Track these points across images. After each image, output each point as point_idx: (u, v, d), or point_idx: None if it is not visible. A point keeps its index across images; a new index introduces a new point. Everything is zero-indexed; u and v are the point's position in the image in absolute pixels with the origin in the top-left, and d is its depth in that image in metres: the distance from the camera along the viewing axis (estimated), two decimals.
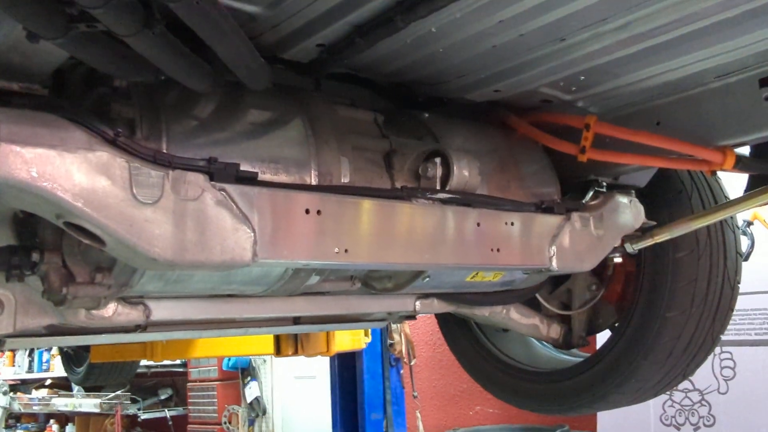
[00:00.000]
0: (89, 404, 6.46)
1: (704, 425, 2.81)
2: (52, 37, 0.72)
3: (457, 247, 1.21)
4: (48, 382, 7.62)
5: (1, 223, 1.01)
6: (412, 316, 1.93)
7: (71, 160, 0.83)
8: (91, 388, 6.13)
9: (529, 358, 2.23)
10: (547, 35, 1.11)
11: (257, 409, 5.81)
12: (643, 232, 1.67)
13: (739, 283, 1.92)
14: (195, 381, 6.15)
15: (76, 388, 6.86)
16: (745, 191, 1.64)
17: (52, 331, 1.20)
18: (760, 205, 1.63)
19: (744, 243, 3.58)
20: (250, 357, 5.81)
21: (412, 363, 4.25)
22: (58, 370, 7.34)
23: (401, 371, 4.26)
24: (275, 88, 1.14)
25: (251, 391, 5.79)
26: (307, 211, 1.02)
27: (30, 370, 7.87)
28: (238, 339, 2.82)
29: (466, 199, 1.22)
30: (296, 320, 1.69)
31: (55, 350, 7.40)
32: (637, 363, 1.83)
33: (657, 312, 1.81)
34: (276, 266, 1.11)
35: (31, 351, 7.74)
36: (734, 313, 2.77)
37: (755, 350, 2.73)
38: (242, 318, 1.47)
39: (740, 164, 1.38)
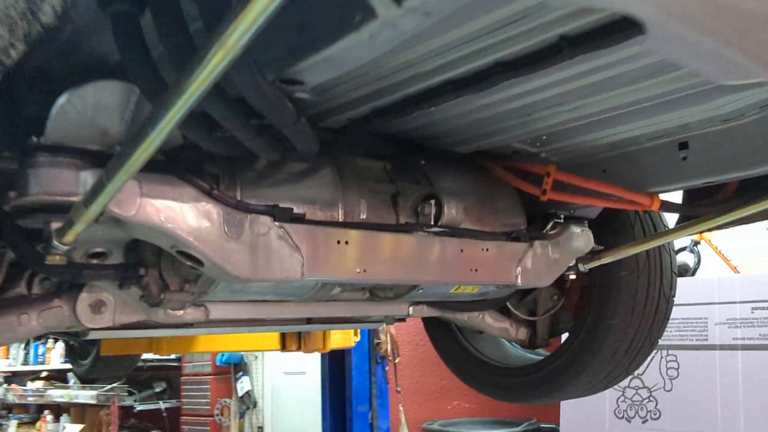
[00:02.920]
0: (86, 395, 6.72)
1: (651, 418, 3.22)
2: (197, 138, 1.10)
3: (444, 268, 1.59)
4: (44, 374, 7.87)
5: (117, 248, 1.38)
6: (403, 319, 2.31)
7: (185, 208, 1.20)
8: (88, 380, 6.41)
9: (501, 356, 2.62)
10: (518, 113, 1.49)
11: (248, 402, 6.14)
12: (592, 254, 2.07)
13: (674, 296, 2.32)
14: (189, 375, 6.46)
15: (72, 379, 7.14)
16: (676, 224, 2.05)
17: (137, 325, 1.57)
18: (687, 236, 2.03)
19: (692, 260, 4.02)
20: (242, 353, 6.13)
21: (396, 361, 4.62)
22: (54, 362, 7.61)
23: (386, 368, 4.62)
24: None
25: (242, 386, 6.11)
26: (338, 242, 1.40)
27: (25, 362, 8.11)
28: (246, 336, 3.17)
29: (452, 231, 1.61)
30: (309, 320, 2.07)
31: (50, 343, 7.65)
32: (588, 361, 2.23)
33: (604, 319, 2.20)
34: (314, 281, 1.48)
35: (27, 344, 7.95)
36: (679, 321, 3.21)
37: (696, 354, 3.14)
38: (271, 318, 1.85)
39: (663, 207, 1.78)
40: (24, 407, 8.41)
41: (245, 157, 1.39)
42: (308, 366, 5.52)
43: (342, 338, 3.79)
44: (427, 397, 4.76)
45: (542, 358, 2.41)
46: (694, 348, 3.13)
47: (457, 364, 2.66)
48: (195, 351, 5.26)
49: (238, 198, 1.30)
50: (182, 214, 1.19)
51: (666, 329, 3.02)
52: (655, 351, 3.30)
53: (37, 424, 7.86)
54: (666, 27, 0.82)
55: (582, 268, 2.09)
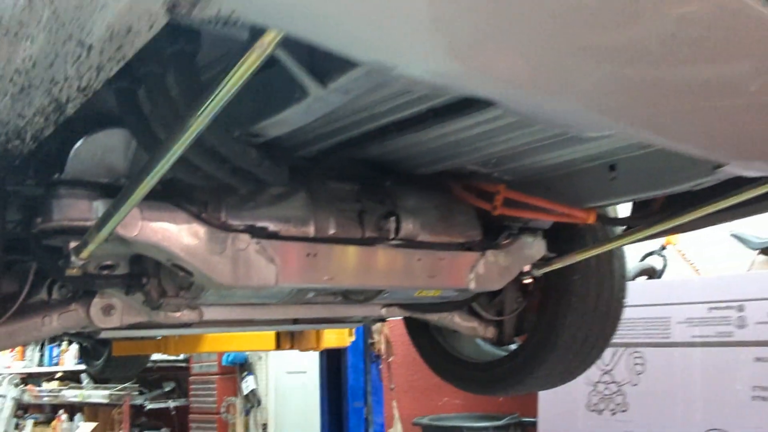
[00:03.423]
0: (98, 395, 7.04)
1: (620, 411, 3.47)
2: (184, 176, 1.37)
3: (403, 275, 1.85)
4: (58, 374, 8.20)
5: (124, 261, 1.66)
6: (382, 319, 2.58)
7: (178, 229, 1.47)
8: (102, 380, 6.72)
9: (473, 353, 2.88)
10: (461, 143, 1.76)
11: (252, 400, 6.42)
12: (545, 261, 2.33)
13: (624, 299, 2.57)
14: (197, 375, 6.75)
15: (85, 380, 7.45)
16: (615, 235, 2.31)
17: (141, 325, 1.85)
18: (628, 244, 2.27)
19: (660, 263, 4.26)
20: (247, 353, 6.42)
21: (390, 359, 4.87)
22: (68, 364, 7.93)
23: (380, 366, 4.89)
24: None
25: (247, 385, 6.39)
26: (308, 254, 1.67)
27: (40, 363, 8.44)
28: (244, 336, 3.45)
29: (410, 244, 1.87)
30: (295, 321, 2.34)
31: (65, 345, 7.97)
32: (544, 357, 2.47)
33: (558, 320, 2.45)
34: (288, 287, 1.75)
35: (42, 346, 8.29)
36: (645, 320, 3.45)
37: (661, 350, 3.39)
38: (260, 319, 2.12)
39: (600, 220, 2.04)
40: (40, 407, 8.73)
41: (229, 186, 1.67)
42: (309, 365, 5.80)
43: (336, 338, 4.06)
44: (419, 394, 5.01)
45: (506, 354, 2.67)
46: (658, 345, 3.38)
47: (434, 361, 2.93)
48: (199, 351, 5.54)
49: (223, 219, 1.58)
50: (176, 234, 1.47)
51: (633, 328, 3.29)
52: (623, 348, 3.55)
53: (53, 424, 8.17)
54: (511, 101, 1.07)
55: (536, 273, 2.34)
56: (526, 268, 2.34)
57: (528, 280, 2.54)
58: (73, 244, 1.42)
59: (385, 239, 1.84)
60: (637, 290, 3.66)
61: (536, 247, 2.28)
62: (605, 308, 2.50)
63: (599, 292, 2.49)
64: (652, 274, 4.25)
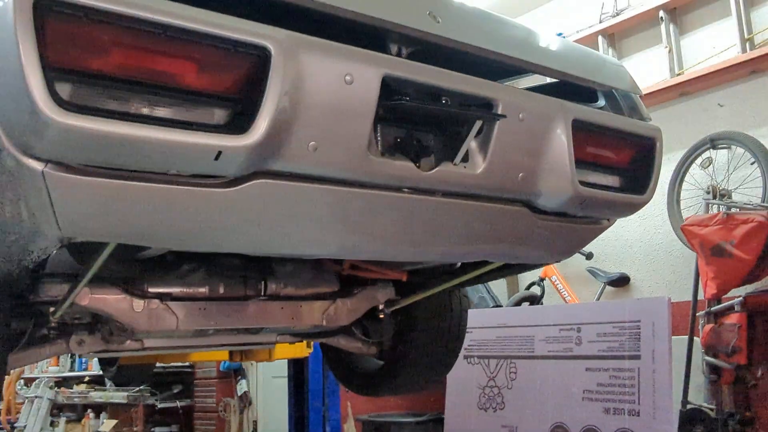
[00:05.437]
0: (119, 396, 8.15)
1: (499, 409, 4.42)
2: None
3: (272, 318, 2.84)
4: (86, 378, 9.34)
5: (86, 315, 2.69)
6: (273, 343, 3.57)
7: (113, 299, 2.49)
8: (120, 383, 7.84)
9: (365, 365, 3.85)
10: None
11: (245, 401, 7.48)
12: (391, 302, 3.28)
13: (463, 328, 3.52)
14: (200, 378, 7.85)
15: (108, 383, 8.59)
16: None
17: (106, 351, 2.89)
18: (430, 294, 3.19)
19: (539, 291, 5.18)
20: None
21: None
22: (95, 368, 9.07)
23: None
24: None
25: (241, 387, 7.46)
26: (200, 308, 2.68)
27: (72, 368, 9.58)
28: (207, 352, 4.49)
29: (275, 297, 2.86)
30: (208, 346, 3.36)
31: None
32: (399, 371, 3.43)
33: (408, 342, 3.41)
34: (189, 330, 2.75)
35: (73, 353, 9.40)
36: (518, 338, 4.39)
37: (527, 362, 4.33)
38: (184, 345, 3.14)
39: (408, 277, 3.00)
40: (72, 407, 9.83)
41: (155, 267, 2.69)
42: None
43: (291, 349, 5.06)
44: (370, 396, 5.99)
45: (379, 366, 3.65)
46: (526, 357, 4.32)
47: (337, 372, 3.92)
48: (188, 361, 6.59)
49: (144, 289, 2.60)
50: (111, 302, 2.49)
51: (509, 344, 4.24)
52: (503, 360, 4.49)
53: (82, 421, 9.28)
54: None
55: (386, 311, 3.30)
56: (381, 306, 3.32)
57: (381, 315, 3.51)
58: (51, 309, 2.46)
59: (257, 296, 2.83)
60: (511, 315, 4.61)
61: (384, 292, 3.24)
62: (446, 334, 3.47)
63: (439, 322, 3.45)
64: (533, 300, 5.16)
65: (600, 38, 5.80)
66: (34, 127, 1.34)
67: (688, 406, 4.07)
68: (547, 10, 6.44)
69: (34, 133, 1.36)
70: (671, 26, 5.37)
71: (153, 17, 1.41)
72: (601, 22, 5.78)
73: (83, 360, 9.31)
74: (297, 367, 5.68)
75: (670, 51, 5.33)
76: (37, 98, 1.31)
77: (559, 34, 5.98)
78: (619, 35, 5.84)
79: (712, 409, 3.99)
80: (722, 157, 4.85)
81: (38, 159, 1.42)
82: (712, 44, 5.17)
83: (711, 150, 4.82)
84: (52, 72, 1.35)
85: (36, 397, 8.86)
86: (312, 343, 5.54)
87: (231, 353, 4.41)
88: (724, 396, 3.98)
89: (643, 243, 5.30)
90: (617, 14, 5.67)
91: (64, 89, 1.38)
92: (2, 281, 2.20)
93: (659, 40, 5.47)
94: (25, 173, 1.43)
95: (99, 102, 1.42)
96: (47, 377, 9.49)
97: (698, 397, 4.15)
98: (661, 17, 5.37)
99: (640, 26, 5.68)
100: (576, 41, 5.79)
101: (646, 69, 5.56)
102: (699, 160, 4.87)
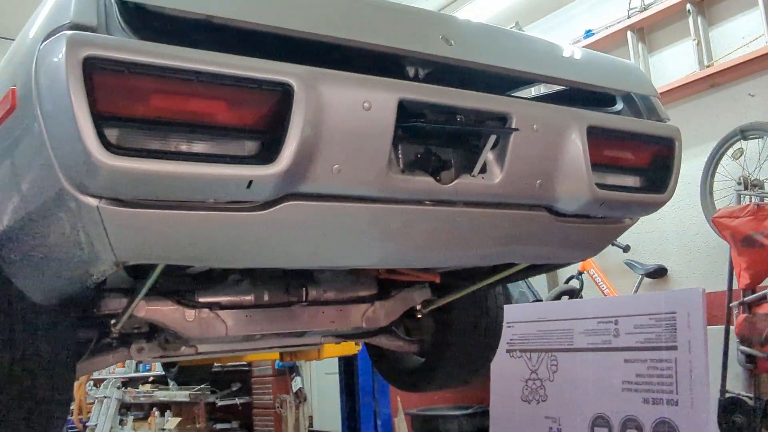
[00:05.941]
0: (182, 395, 8.47)
1: (542, 401, 4.51)
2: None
3: (313, 322, 3.02)
4: (150, 378, 9.75)
5: (144, 324, 2.92)
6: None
7: (167, 310, 2.71)
8: (181, 382, 8.21)
9: (409, 363, 4.00)
10: None
11: (300, 397, 7.74)
12: (428, 302, 3.42)
13: (500, 324, 3.63)
14: (257, 376, 8.15)
15: (171, 383, 8.97)
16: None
17: (164, 356, 3.12)
18: (462, 295, 3.30)
19: (578, 284, 5.23)
20: None
21: None
22: (158, 369, 9.47)
23: None
24: None
25: (296, 384, 7.71)
26: (246, 315, 2.88)
27: (137, 369, 10.02)
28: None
29: (313, 303, 3.03)
30: (271, 348, 3.56)
31: None
32: (439, 366, 3.58)
33: (447, 339, 3.54)
34: (238, 336, 2.96)
35: None
36: (558, 331, 4.50)
37: (567, 354, 4.40)
38: (236, 349, 3.35)
39: (442, 279, 3.14)
40: (139, 406, 10.20)
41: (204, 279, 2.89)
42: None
43: (341, 348, 5.25)
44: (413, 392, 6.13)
45: (420, 363, 3.80)
46: (566, 350, 4.40)
47: (381, 369, 4.09)
48: (241, 360, 6.87)
49: (195, 300, 2.81)
50: (165, 313, 2.71)
51: (549, 338, 4.35)
52: (544, 353, 4.59)
53: (149, 420, 9.69)
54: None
55: (423, 310, 3.44)
56: (419, 306, 3.46)
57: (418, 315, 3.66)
58: (113, 321, 2.69)
59: (299, 302, 3.01)
60: (551, 309, 4.69)
61: (420, 293, 3.38)
62: (483, 330, 3.59)
63: (476, 319, 3.57)
64: (572, 294, 5.21)
65: (629, 33, 5.77)
66: (88, 170, 1.53)
67: (727, 395, 4.09)
68: (574, 7, 6.44)
69: (88, 174, 1.55)
70: (699, 18, 5.32)
71: (186, 65, 1.59)
72: (629, 17, 5.76)
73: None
74: (347, 364, 5.85)
75: (698, 43, 5.29)
76: (88, 144, 1.50)
77: (588, 31, 5.99)
78: (647, 29, 5.80)
79: (750, 398, 4.01)
80: (753, 147, 4.81)
81: (93, 196, 1.61)
82: (741, 35, 5.11)
83: (742, 141, 4.79)
84: (100, 120, 1.53)
85: (105, 397, 9.18)
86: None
87: (281, 354, 4.63)
88: (761, 384, 3.99)
89: (679, 234, 5.29)
90: (645, 9, 5.64)
91: (112, 134, 1.56)
92: (69, 298, 2.42)
93: (688, 33, 5.42)
94: (83, 209, 1.63)
95: (143, 143, 1.61)
96: (115, 378, 9.88)
97: (737, 386, 4.16)
98: (688, 10, 5.33)
99: (669, 20, 5.63)
100: (605, 37, 5.82)
101: (676, 62, 5.52)
102: (730, 151, 4.84)
